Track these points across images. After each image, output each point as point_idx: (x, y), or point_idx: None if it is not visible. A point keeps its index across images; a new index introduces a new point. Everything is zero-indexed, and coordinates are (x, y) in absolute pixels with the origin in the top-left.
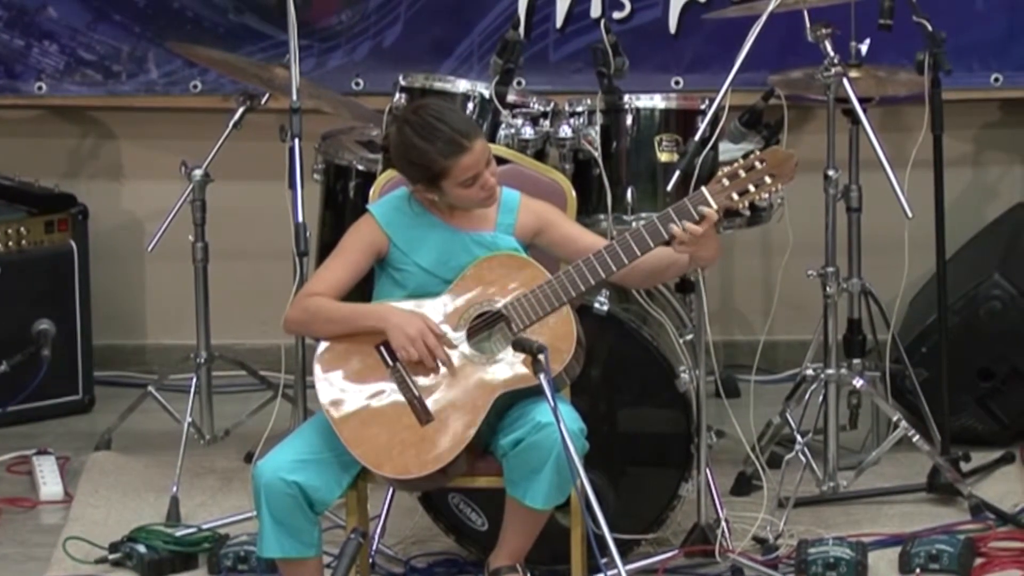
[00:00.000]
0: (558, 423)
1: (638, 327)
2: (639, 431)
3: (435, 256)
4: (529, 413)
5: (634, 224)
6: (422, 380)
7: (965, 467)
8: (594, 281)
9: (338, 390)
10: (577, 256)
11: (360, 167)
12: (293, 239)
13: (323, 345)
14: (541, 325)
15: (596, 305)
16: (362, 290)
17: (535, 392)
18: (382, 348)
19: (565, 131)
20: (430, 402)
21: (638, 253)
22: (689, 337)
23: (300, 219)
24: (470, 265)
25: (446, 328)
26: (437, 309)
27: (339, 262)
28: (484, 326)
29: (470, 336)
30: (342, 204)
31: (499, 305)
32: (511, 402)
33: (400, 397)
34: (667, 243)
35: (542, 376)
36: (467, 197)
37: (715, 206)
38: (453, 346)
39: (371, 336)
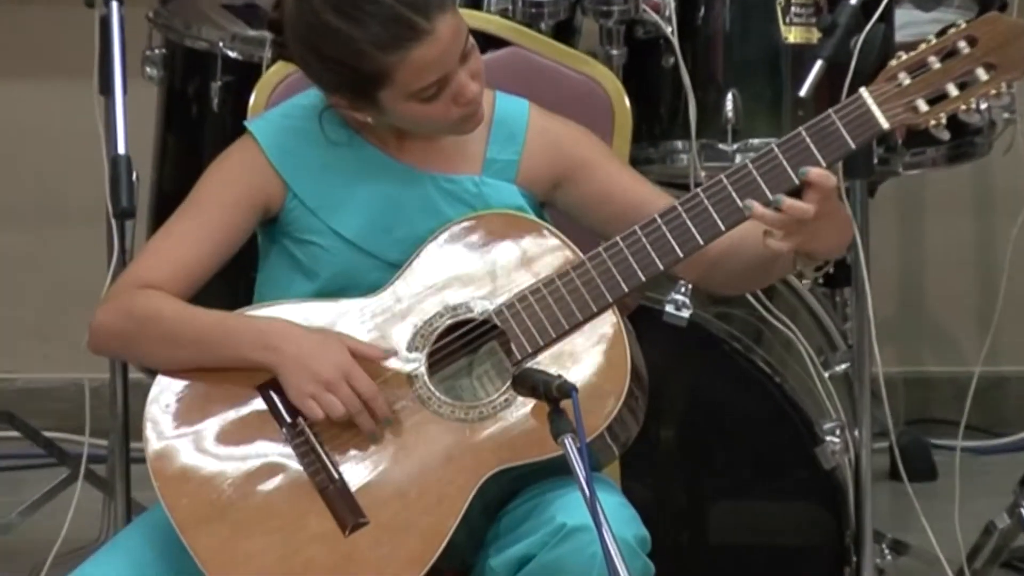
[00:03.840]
0: (598, 528)
1: (747, 349)
2: (750, 541)
3: (369, 217)
4: (545, 510)
5: (739, 159)
6: (344, 452)
7: None
8: (663, 266)
9: (189, 468)
10: (626, 223)
11: (231, 54)
12: (107, 186)
13: (162, 383)
14: (564, 347)
15: (668, 309)
16: (234, 282)
17: (554, 471)
18: (272, 393)
19: None
20: (359, 490)
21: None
22: (842, 368)
23: (121, 150)
24: (434, 236)
25: (392, 360)
26: (373, 319)
27: (192, 227)
28: (461, 348)
29: (435, 366)
30: (197, 121)
31: (488, 310)
32: (511, 488)
33: (305, 481)
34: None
35: (568, 442)
36: (429, 117)
37: (886, 125)
38: (406, 386)
39: (248, 371)
